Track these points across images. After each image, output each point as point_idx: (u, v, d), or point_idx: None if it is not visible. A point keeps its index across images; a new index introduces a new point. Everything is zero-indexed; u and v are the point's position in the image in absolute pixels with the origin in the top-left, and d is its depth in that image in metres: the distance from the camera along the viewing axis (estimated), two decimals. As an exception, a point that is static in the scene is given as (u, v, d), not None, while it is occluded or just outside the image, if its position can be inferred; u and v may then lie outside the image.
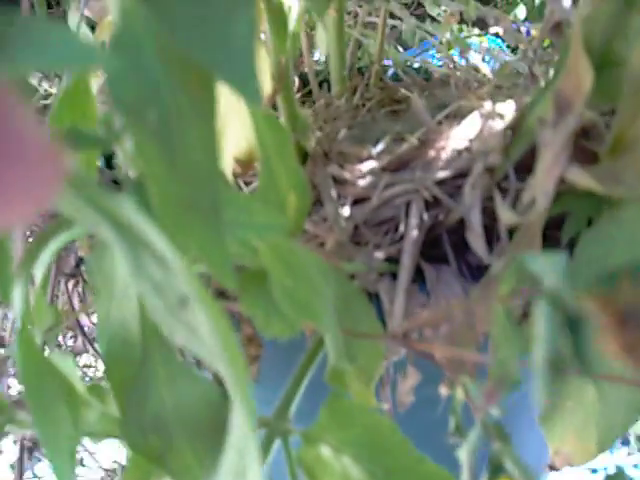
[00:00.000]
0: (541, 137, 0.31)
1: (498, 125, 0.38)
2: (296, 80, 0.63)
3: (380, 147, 0.40)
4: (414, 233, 0.37)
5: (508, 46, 0.67)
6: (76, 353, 0.61)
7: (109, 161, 0.42)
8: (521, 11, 0.63)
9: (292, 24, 0.38)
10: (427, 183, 0.36)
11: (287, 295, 0.28)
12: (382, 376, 0.39)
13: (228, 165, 0.39)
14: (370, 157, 0.40)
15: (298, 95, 0.59)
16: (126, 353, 0.29)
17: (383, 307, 0.37)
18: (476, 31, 0.70)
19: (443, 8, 0.54)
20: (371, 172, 0.38)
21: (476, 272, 0.39)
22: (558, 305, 0.17)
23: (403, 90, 0.55)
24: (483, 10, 0.52)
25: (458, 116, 0.43)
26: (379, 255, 0.37)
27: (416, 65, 0.57)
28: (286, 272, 0.29)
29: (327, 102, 0.54)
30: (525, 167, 0.35)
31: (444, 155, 0.38)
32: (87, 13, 0.53)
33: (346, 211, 0.38)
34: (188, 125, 0.22)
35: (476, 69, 0.60)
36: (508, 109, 0.40)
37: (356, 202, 0.39)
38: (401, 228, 0.37)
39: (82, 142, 0.23)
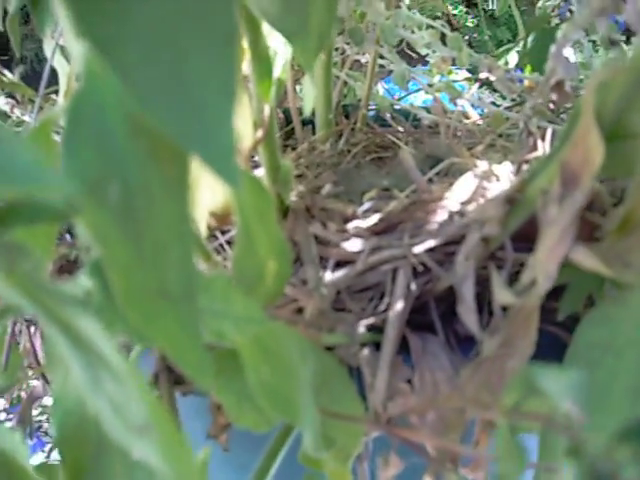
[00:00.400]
0: (545, 213, 0.28)
1: (494, 190, 0.36)
2: (279, 115, 0.60)
3: (366, 206, 0.37)
4: (400, 303, 0.34)
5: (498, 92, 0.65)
6: (36, 397, 0.57)
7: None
8: (512, 58, 0.61)
9: (278, 71, 0.35)
10: (416, 250, 0.33)
11: (263, 387, 0.25)
12: (360, 452, 0.36)
13: (202, 219, 0.36)
14: (355, 216, 0.37)
15: (280, 133, 0.56)
16: (81, 433, 0.26)
17: (364, 380, 0.34)
18: (465, 73, 0.68)
19: (433, 49, 0.52)
20: (356, 233, 0.35)
21: (464, 343, 0.36)
22: (583, 458, 0.14)
23: (390, 136, 0.53)
24: (475, 57, 0.50)
25: (450, 174, 0.41)
26: (362, 325, 0.34)
27: (404, 107, 0.55)
28: (263, 359, 0.25)
29: (311, 146, 0.51)
30: (523, 236, 0.33)
31: (435, 218, 0.35)
32: (62, 42, 0.50)
33: (328, 275, 0.35)
34: (157, 203, 0.19)
35: (466, 115, 0.58)
36: (504, 171, 0.37)
37: (339, 264, 0.36)
38: (386, 296, 0.34)
39: (37, 215, 0.20)
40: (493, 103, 0.60)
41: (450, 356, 0.36)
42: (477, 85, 0.60)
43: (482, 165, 0.37)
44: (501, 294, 0.28)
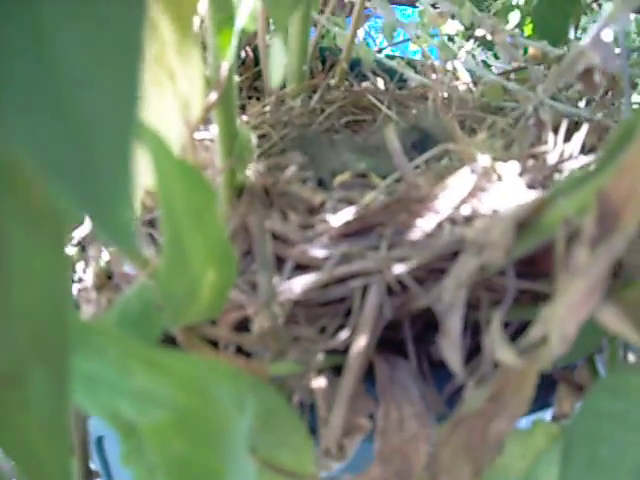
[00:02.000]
0: (572, 257, 0.21)
1: (496, 194, 0.28)
2: (249, 53, 0.51)
3: (338, 195, 0.30)
4: (368, 327, 0.27)
5: (494, 54, 0.57)
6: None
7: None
8: (514, 16, 0.52)
9: (242, 20, 0.27)
10: (395, 269, 0.25)
11: (173, 465, 0.18)
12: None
13: (138, 198, 0.28)
14: (324, 207, 0.30)
15: (247, 74, 0.48)
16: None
17: (318, 412, 0.28)
18: (458, 25, 0.59)
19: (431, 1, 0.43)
20: (323, 233, 0.28)
21: (439, 372, 0.29)
22: None
23: (371, 97, 0.45)
24: (479, 16, 0.41)
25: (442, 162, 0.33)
26: (320, 349, 0.27)
27: (389, 64, 0.46)
28: (174, 433, 0.18)
29: (279, 99, 0.43)
30: (528, 262, 0.26)
31: (421, 224, 0.28)
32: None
33: (284, 282, 0.27)
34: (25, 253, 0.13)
35: (457, 77, 0.49)
36: (508, 170, 0.30)
37: (299, 268, 0.28)
38: (353, 316, 0.27)
39: None
40: (485, 62, 0.51)
41: (421, 387, 0.29)
42: (472, 42, 0.52)
43: (482, 159, 0.29)
44: (501, 352, 0.21)
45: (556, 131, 0.33)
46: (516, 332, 0.28)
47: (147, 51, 0.26)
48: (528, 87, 0.44)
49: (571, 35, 0.52)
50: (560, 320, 0.21)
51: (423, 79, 0.45)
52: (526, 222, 0.24)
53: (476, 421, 0.25)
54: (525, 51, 0.45)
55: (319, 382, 0.27)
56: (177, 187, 0.23)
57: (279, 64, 0.23)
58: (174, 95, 0.27)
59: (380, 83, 0.46)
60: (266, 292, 0.27)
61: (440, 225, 0.28)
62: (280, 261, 0.29)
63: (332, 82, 0.45)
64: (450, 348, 0.26)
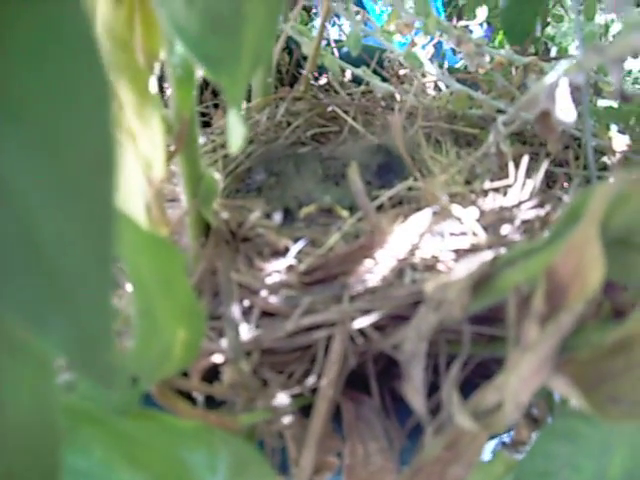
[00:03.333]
0: (522, 331, 0.22)
1: (453, 240, 0.29)
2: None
3: (302, 243, 0.30)
4: (334, 373, 0.28)
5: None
6: None
7: None
8: (482, 12, 0.52)
9: (200, 72, 0.27)
10: (357, 323, 0.27)
11: None
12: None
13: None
14: (288, 252, 0.31)
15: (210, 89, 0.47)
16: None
17: (289, 453, 0.29)
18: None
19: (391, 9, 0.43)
20: (288, 283, 0.29)
21: (402, 406, 0.31)
22: None
23: (337, 109, 0.45)
24: (444, 26, 0.41)
25: (405, 200, 0.34)
26: (287, 395, 0.28)
27: (355, 72, 0.46)
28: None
29: (244, 116, 0.43)
30: (485, 318, 0.27)
31: (382, 271, 0.29)
32: None
33: (251, 331, 0.28)
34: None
35: (423, 74, 0.50)
36: (468, 214, 0.31)
37: (266, 314, 0.29)
38: (318, 363, 0.28)
39: None
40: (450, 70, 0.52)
41: (385, 423, 0.31)
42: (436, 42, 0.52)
43: (442, 198, 0.30)
44: (458, 415, 0.23)
45: (516, 163, 0.34)
46: (477, 367, 0.30)
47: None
48: (493, 96, 0.45)
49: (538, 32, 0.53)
50: (513, 390, 0.22)
51: (389, 88, 0.45)
52: (480, 283, 0.26)
53: (434, 467, 0.26)
54: (492, 59, 0.45)
55: (288, 426, 0.29)
56: (145, 260, 0.23)
57: (237, 134, 0.23)
58: (136, 155, 0.27)
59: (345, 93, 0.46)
60: (233, 346, 0.28)
61: (401, 271, 0.29)
62: (247, 308, 0.30)
63: (297, 93, 0.45)
64: (413, 394, 0.27)
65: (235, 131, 0.24)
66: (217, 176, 0.32)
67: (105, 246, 0.12)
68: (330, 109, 0.46)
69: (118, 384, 0.12)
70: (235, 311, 0.29)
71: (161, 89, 0.29)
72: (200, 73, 0.28)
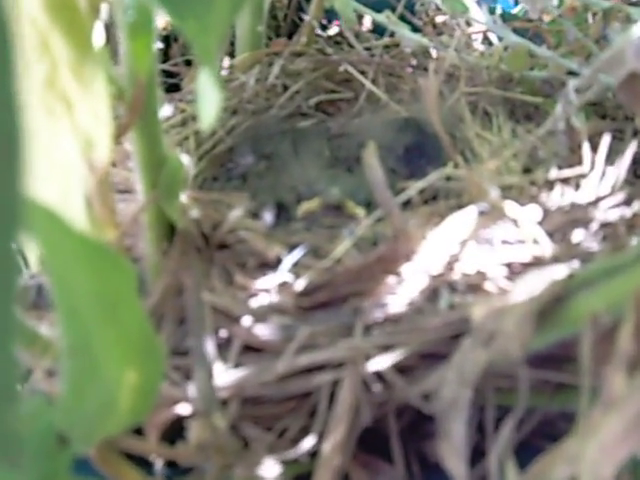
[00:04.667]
0: (603, 379, 0.22)
1: (509, 250, 0.29)
2: None
3: (299, 253, 0.30)
4: (341, 432, 0.27)
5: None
6: None
7: None
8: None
9: (162, 19, 0.27)
10: (374, 364, 0.26)
11: None
12: None
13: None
14: (280, 264, 0.30)
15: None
16: None
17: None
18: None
19: None
20: (279, 308, 0.28)
21: (434, 476, 0.30)
22: None
23: (350, 67, 0.44)
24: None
25: (442, 194, 0.34)
26: (276, 462, 0.28)
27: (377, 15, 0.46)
28: None
29: (226, 77, 0.43)
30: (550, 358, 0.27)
31: (408, 291, 0.28)
32: None
33: (229, 373, 0.28)
34: None
35: (468, 22, 0.49)
36: (525, 217, 0.30)
37: (249, 350, 0.29)
38: (319, 417, 0.28)
39: None
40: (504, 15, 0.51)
41: (411, 501, 0.30)
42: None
43: (493, 194, 0.29)
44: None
45: (594, 147, 0.33)
46: (539, 426, 0.29)
47: (35, 74, 0.26)
48: (562, 53, 0.44)
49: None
50: (592, 460, 0.22)
51: (422, 41, 0.44)
52: (546, 311, 0.25)
53: None
54: (561, 2, 0.44)
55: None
56: (81, 275, 0.23)
57: (211, 102, 0.22)
58: (72, 130, 0.26)
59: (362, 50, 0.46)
60: (204, 392, 0.28)
61: (435, 292, 0.29)
62: (224, 340, 0.29)
63: (298, 47, 0.45)
64: (452, 456, 0.27)
65: (207, 98, 0.24)
66: (186, 159, 0.32)
67: (5, 267, 0.11)
68: (342, 69, 0.45)
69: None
70: (208, 345, 0.29)
71: (109, 40, 0.29)
72: (163, 17, 0.28)
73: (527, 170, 0.35)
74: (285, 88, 0.44)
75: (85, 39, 0.26)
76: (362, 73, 0.45)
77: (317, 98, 0.44)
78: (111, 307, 0.23)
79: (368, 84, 0.44)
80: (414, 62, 0.46)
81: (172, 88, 0.46)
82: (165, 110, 0.42)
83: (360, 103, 0.44)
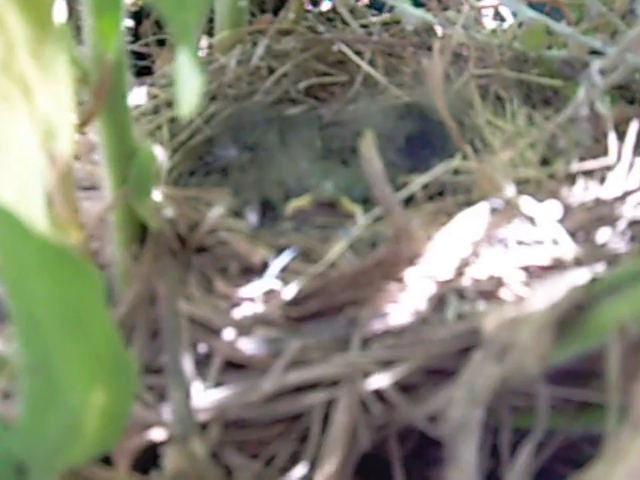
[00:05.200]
0: (632, 397, 0.22)
1: (527, 254, 0.29)
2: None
3: (288, 256, 0.30)
4: (335, 458, 0.28)
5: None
6: None
7: None
8: None
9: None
10: (373, 381, 0.26)
11: None
12: None
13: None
14: (267, 269, 0.30)
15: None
16: None
17: None
18: None
19: None
20: (266, 320, 0.28)
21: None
22: None
23: (345, 47, 0.45)
24: None
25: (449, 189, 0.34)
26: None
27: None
28: None
29: (204, 59, 0.43)
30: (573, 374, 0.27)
31: (412, 300, 0.28)
32: None
33: (209, 393, 0.28)
34: None
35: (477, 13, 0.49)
36: (544, 214, 0.30)
37: (231, 366, 0.29)
38: (311, 441, 0.28)
39: None
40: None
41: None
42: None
43: (508, 190, 0.29)
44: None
45: (620, 132, 0.33)
46: (560, 450, 0.30)
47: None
48: (584, 30, 0.44)
49: None
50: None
51: (425, 17, 0.44)
52: (567, 320, 0.25)
53: None
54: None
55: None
56: (40, 284, 0.23)
57: (190, 87, 0.22)
58: (30, 118, 0.26)
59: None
60: (182, 415, 0.28)
61: (442, 300, 0.29)
62: (203, 356, 0.29)
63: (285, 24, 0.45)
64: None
65: (186, 82, 0.24)
66: (160, 151, 0.32)
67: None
68: (335, 49, 0.46)
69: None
70: (185, 361, 0.29)
71: (72, 16, 0.29)
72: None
73: (545, 162, 0.35)
74: (271, 71, 0.44)
75: (44, 15, 0.26)
76: (358, 54, 0.45)
77: (307, 82, 0.44)
78: (75, 319, 0.24)
79: (365, 66, 0.44)
80: (417, 41, 0.46)
81: (143, 71, 0.46)
82: (135, 96, 0.42)
83: (356, 87, 0.45)
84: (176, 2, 0.22)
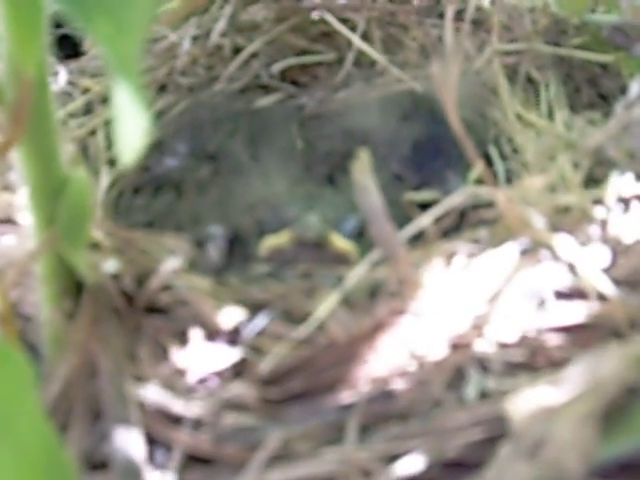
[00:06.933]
0: None
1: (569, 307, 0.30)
2: None
3: (264, 318, 0.31)
4: None
5: None
6: None
7: None
8: None
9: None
10: (373, 467, 0.28)
11: None
12: None
13: None
14: (237, 335, 0.31)
15: None
16: None
17: None
18: None
19: None
20: (237, 402, 0.29)
21: None
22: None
23: (330, 16, 0.45)
24: None
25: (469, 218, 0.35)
26: None
27: None
28: None
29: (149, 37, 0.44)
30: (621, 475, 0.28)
31: (418, 376, 0.30)
32: None
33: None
34: None
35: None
36: (586, 258, 0.31)
37: (195, 461, 0.30)
38: None
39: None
40: None
41: None
42: None
43: (537, 222, 0.30)
44: None
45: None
46: None
47: None
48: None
49: None
50: None
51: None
52: (616, 408, 0.26)
53: None
54: None
55: None
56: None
57: (133, 130, 0.23)
58: None
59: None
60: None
61: (459, 373, 0.30)
62: (160, 448, 0.30)
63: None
64: None
65: (127, 124, 0.25)
66: (99, 180, 0.33)
67: None
68: (317, 18, 0.46)
69: None
70: (136, 453, 0.30)
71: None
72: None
73: (592, 179, 0.36)
74: (236, 50, 0.44)
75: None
76: (348, 23, 0.45)
77: (283, 63, 0.45)
78: (3, 417, 0.24)
79: (357, 40, 0.45)
80: (424, 6, 0.46)
81: (70, 53, 0.47)
82: (59, 88, 0.42)
83: (346, 68, 0.45)
84: (111, 25, 0.23)
